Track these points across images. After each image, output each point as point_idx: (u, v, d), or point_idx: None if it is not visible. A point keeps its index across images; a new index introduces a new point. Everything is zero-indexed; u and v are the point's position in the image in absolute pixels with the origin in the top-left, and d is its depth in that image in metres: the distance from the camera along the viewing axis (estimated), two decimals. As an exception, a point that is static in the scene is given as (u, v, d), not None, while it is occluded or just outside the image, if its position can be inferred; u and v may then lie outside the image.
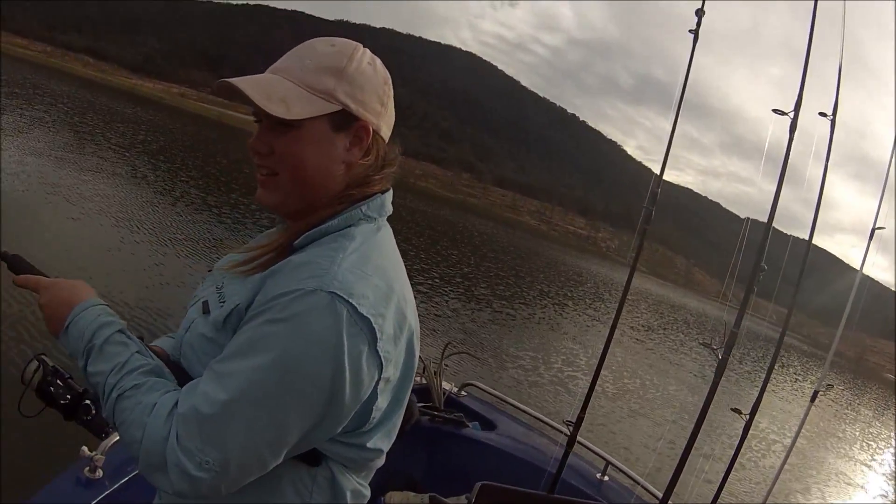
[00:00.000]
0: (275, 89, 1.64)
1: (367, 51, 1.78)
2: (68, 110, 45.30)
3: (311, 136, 1.66)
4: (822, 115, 4.32)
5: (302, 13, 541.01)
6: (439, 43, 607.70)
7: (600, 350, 4.89)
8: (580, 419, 4.62)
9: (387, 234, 1.79)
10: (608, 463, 4.95)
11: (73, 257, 12.92)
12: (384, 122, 1.78)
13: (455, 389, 5.52)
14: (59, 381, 1.86)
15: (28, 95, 45.77)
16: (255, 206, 24.90)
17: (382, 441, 1.73)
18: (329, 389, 1.48)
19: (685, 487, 4.36)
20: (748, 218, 4.08)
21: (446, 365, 5.52)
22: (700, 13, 4.60)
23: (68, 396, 1.86)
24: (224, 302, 1.67)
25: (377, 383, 1.58)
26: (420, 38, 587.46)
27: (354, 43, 1.76)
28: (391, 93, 1.81)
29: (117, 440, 3.09)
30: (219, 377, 1.50)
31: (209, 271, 1.90)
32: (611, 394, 17.09)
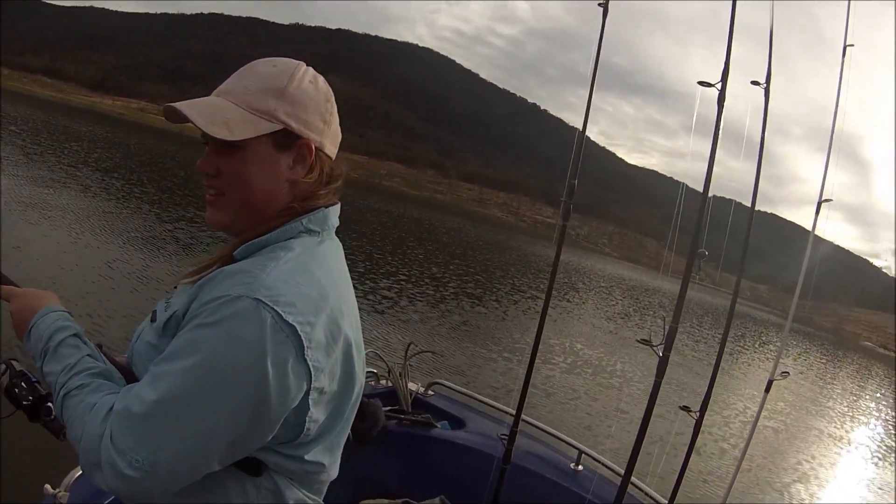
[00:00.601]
0: (218, 113, 1.68)
1: (310, 69, 1.82)
2: (20, 132, 45.04)
3: (254, 156, 1.70)
4: (755, 83, 4.34)
5: (256, 19, 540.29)
6: (396, 41, 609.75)
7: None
8: (520, 406, 4.55)
9: (331, 248, 1.83)
10: (581, 452, 4.81)
11: (38, 272, 12.92)
12: (328, 140, 1.83)
13: (422, 390, 5.44)
14: (23, 384, 1.94)
15: None
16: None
17: (323, 455, 1.74)
18: (253, 395, 1.49)
19: (647, 473, 4.36)
20: (683, 184, 4.12)
21: (411, 365, 5.39)
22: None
23: (30, 398, 1.92)
24: (167, 310, 1.72)
25: (307, 393, 1.59)
26: (377, 37, 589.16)
27: (297, 62, 1.81)
28: (334, 110, 1.85)
29: (78, 476, 3.12)
30: (152, 379, 1.53)
31: (175, 287, 1.89)
32: (569, 385, 16.74)
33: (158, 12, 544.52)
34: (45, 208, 19.48)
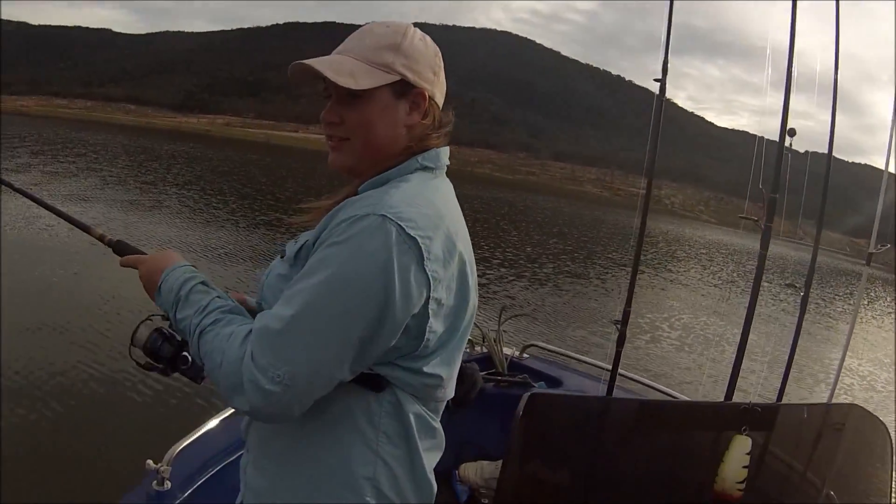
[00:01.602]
0: (343, 65, 1.82)
1: (418, 29, 1.94)
2: (97, 157, 45.30)
3: (376, 104, 1.84)
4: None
5: (332, 23, 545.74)
6: (474, 28, 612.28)
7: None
8: (626, 317, 4.59)
9: (443, 183, 1.94)
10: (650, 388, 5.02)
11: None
12: (437, 90, 1.94)
13: (517, 353, 5.39)
14: (160, 338, 2.05)
15: (55, 151, 46.00)
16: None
17: (441, 367, 1.82)
18: (382, 300, 1.60)
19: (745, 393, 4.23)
20: (761, 137, 4.24)
21: (505, 331, 5.44)
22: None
23: (170, 348, 2.04)
24: (296, 245, 1.84)
25: (427, 301, 1.69)
26: (454, 26, 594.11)
27: (406, 23, 1.94)
28: (441, 64, 1.97)
29: (181, 449, 3.20)
30: (287, 298, 1.64)
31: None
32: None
33: (233, 28, 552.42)
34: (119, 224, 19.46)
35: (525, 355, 5.52)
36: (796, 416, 3.44)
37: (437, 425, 1.92)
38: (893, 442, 3.38)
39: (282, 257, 1.92)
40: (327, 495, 1.78)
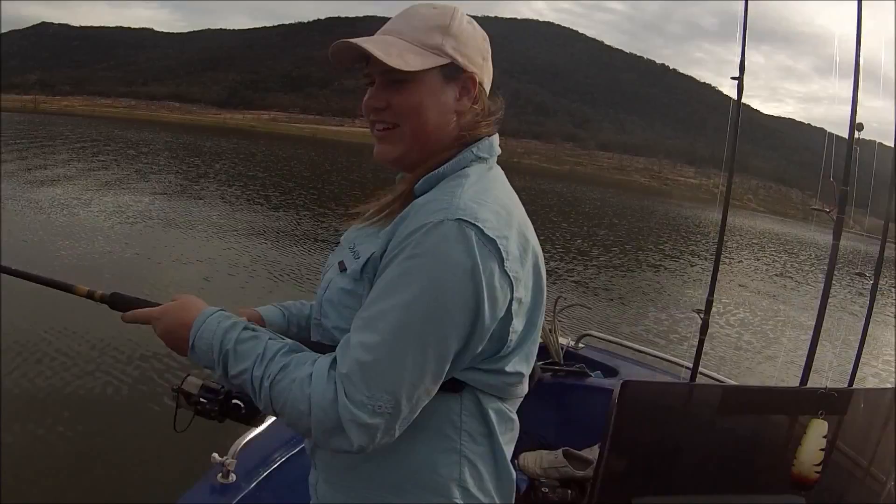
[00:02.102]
0: (392, 46, 1.75)
1: (465, 13, 1.87)
2: (137, 154, 46.51)
3: (426, 87, 1.77)
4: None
5: (374, 17, 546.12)
6: (516, 19, 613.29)
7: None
8: (709, 305, 4.74)
9: (499, 173, 1.87)
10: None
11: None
12: (486, 76, 1.89)
13: (572, 343, 5.44)
14: (202, 398, 2.04)
15: (97, 148, 47.02)
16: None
17: (521, 364, 1.78)
18: (473, 309, 1.56)
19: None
20: (829, 133, 4.17)
21: (560, 320, 5.40)
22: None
23: (217, 404, 2.04)
24: (358, 257, 1.77)
25: (510, 303, 1.65)
26: (496, 17, 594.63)
27: (453, 4, 1.87)
28: (489, 49, 1.91)
29: (246, 442, 3.27)
30: (368, 323, 1.56)
31: (338, 244, 1.99)
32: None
33: (275, 24, 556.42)
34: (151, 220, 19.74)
35: (581, 345, 5.57)
36: (869, 399, 3.39)
37: (515, 416, 1.87)
38: None
39: (341, 271, 1.82)
40: (414, 501, 1.73)
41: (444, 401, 1.70)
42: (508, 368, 1.73)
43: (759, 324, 17.17)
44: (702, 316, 4.75)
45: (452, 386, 1.69)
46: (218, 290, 13.11)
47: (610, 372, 5.24)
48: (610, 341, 5.92)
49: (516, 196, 1.86)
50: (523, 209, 1.84)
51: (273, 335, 1.74)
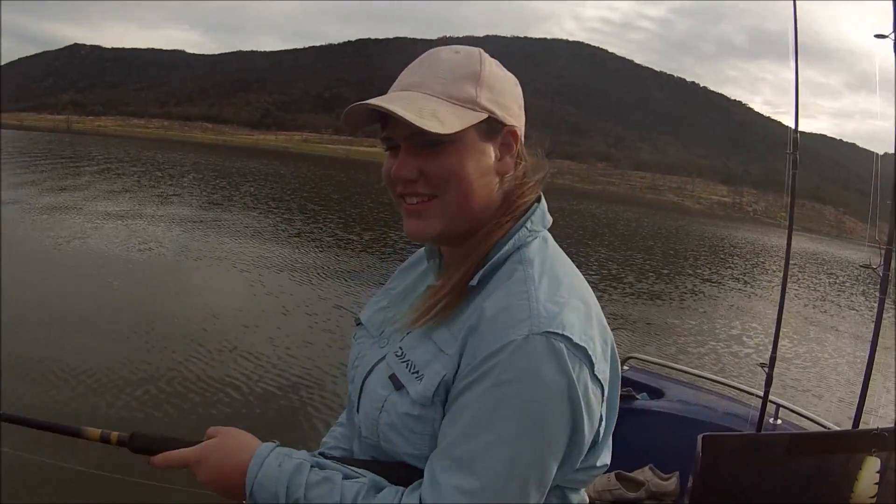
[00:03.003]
0: (422, 105, 1.49)
1: (489, 56, 1.65)
2: (162, 175, 46.08)
3: (465, 149, 1.52)
4: None
5: (404, 38, 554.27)
6: (546, 39, 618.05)
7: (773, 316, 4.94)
8: (773, 361, 4.68)
9: (555, 246, 1.66)
10: (778, 406, 4.92)
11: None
12: (523, 127, 1.66)
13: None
14: None
15: (122, 168, 47.07)
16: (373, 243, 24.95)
17: (607, 454, 1.64)
18: (571, 428, 1.42)
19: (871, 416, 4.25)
20: (876, 154, 4.25)
21: None
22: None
23: None
24: (418, 373, 1.53)
25: (602, 404, 1.52)
26: (526, 38, 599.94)
27: (475, 47, 1.65)
28: (522, 94, 1.69)
29: None
30: (462, 464, 1.38)
31: (357, 324, 1.84)
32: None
33: (305, 46, 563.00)
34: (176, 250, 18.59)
35: (625, 367, 5.57)
36: None
37: (587, 498, 1.71)
38: None
39: (397, 388, 1.53)
40: None
41: None
42: (598, 463, 1.59)
43: (807, 354, 16.64)
44: (766, 370, 4.69)
45: None
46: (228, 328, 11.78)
47: (656, 394, 5.28)
48: (655, 363, 5.94)
49: (576, 268, 1.64)
50: (586, 282, 1.61)
51: (345, 471, 1.53)
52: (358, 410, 1.68)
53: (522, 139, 1.64)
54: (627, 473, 4.41)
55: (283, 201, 37.47)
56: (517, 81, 1.67)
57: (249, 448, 1.58)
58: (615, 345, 1.60)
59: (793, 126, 4.61)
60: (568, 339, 1.37)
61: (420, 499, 1.41)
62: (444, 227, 1.56)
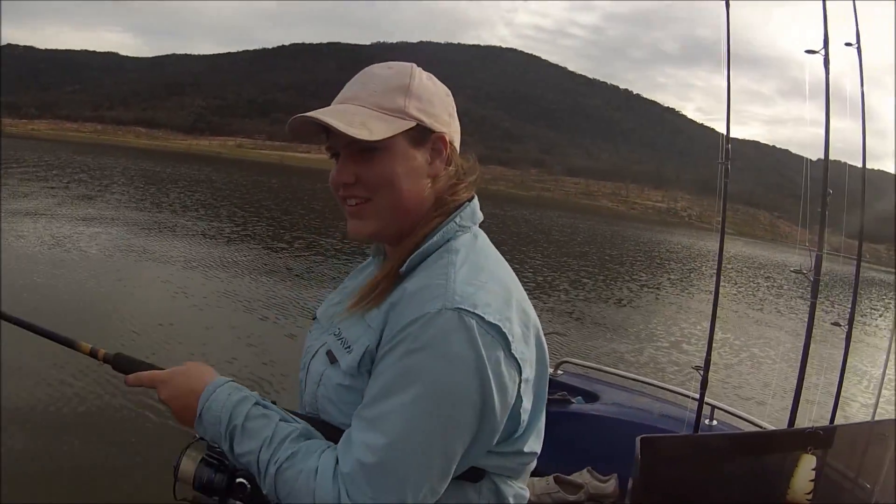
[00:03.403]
0: (353, 116, 1.67)
1: (422, 69, 1.83)
2: (90, 179, 45.53)
3: (395, 155, 1.70)
4: (848, 45, 4.72)
5: (338, 43, 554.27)
6: (479, 45, 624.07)
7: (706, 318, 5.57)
8: (707, 364, 4.96)
9: (484, 240, 1.82)
10: (713, 408, 5.25)
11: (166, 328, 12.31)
12: (455, 133, 1.84)
13: (551, 370, 4.37)
14: (207, 468, 1.85)
15: (51, 175, 45.57)
16: (334, 244, 26.06)
17: (535, 442, 1.75)
18: (480, 403, 1.52)
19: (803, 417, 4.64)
20: (806, 159, 4.75)
21: None
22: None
23: (221, 479, 1.85)
24: (350, 347, 1.69)
25: (520, 385, 1.62)
26: (459, 44, 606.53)
27: (409, 63, 1.81)
28: (454, 104, 1.86)
29: None
30: (371, 423, 1.53)
31: (313, 319, 1.98)
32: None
33: (239, 50, 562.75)
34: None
35: (560, 371, 5.79)
36: (848, 434, 3.98)
37: (527, 492, 1.83)
38: None
39: (332, 362, 1.71)
40: None
41: (461, 492, 1.64)
42: (525, 449, 1.70)
43: (744, 356, 17.11)
44: (700, 373, 4.98)
45: (471, 475, 1.63)
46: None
47: (591, 397, 5.49)
48: (589, 367, 6.16)
49: (505, 262, 1.80)
50: (513, 274, 1.78)
51: (284, 416, 1.68)
52: (304, 391, 1.80)
53: (455, 145, 1.79)
54: (566, 476, 4.60)
55: (212, 207, 36.98)
56: (449, 92, 1.82)
57: (209, 377, 1.74)
58: (544, 337, 1.73)
59: (725, 134, 5.13)
60: (480, 317, 1.49)
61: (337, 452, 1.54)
62: (379, 226, 1.72)
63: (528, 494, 1.82)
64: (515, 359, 1.56)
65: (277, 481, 1.57)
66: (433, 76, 1.82)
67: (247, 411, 1.66)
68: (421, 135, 1.72)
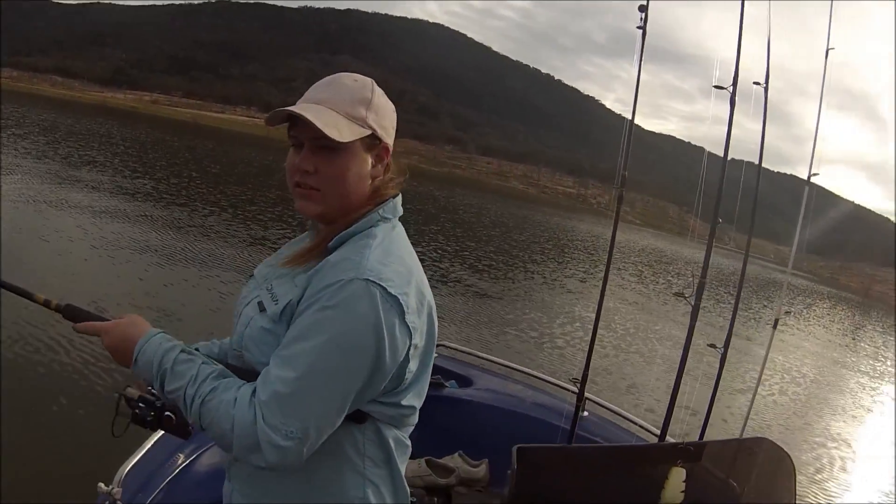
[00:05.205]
0: (329, 118, 1.97)
1: (375, 83, 2.15)
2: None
3: (351, 156, 2.02)
4: (756, 84, 4.90)
5: (264, 4, 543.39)
6: (406, 18, 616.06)
7: (590, 308, 6.31)
8: (585, 376, 5.09)
9: (401, 232, 2.16)
10: (586, 399, 5.23)
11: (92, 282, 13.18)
12: (393, 142, 2.17)
13: None
14: (142, 405, 2.25)
15: None
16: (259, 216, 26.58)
17: (414, 399, 2.08)
18: (374, 356, 1.85)
19: (679, 425, 4.97)
20: (706, 151, 4.81)
21: None
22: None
23: (152, 413, 2.25)
24: (277, 300, 2.01)
25: (409, 349, 1.94)
26: (386, 15, 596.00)
27: (368, 78, 2.15)
28: (396, 118, 2.20)
29: (129, 470, 3.36)
30: (286, 361, 1.84)
31: (251, 276, 2.28)
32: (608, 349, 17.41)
33: (165, 3, 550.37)
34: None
35: (434, 354, 4.85)
36: (717, 450, 3.95)
37: (409, 442, 2.16)
38: (795, 470, 3.73)
39: (261, 310, 2.02)
40: None
41: (349, 430, 1.96)
42: (404, 402, 2.03)
43: (626, 363, 17.06)
44: (577, 385, 5.07)
45: (357, 417, 1.95)
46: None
47: (465, 382, 5.55)
48: (463, 352, 6.15)
49: (413, 252, 2.14)
50: (419, 263, 2.12)
51: (206, 360, 1.99)
52: (234, 331, 2.15)
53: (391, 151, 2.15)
54: (437, 460, 4.68)
55: (97, 164, 35.00)
56: (394, 108, 2.18)
57: (145, 328, 2.09)
58: (436, 316, 2.12)
59: (621, 161, 5.44)
60: (384, 289, 1.84)
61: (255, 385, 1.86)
62: (323, 210, 2.03)
63: (409, 443, 2.18)
64: (408, 326, 1.90)
65: (202, 411, 1.88)
66: (384, 93, 2.16)
67: (175, 357, 1.99)
68: (372, 142, 2.06)
